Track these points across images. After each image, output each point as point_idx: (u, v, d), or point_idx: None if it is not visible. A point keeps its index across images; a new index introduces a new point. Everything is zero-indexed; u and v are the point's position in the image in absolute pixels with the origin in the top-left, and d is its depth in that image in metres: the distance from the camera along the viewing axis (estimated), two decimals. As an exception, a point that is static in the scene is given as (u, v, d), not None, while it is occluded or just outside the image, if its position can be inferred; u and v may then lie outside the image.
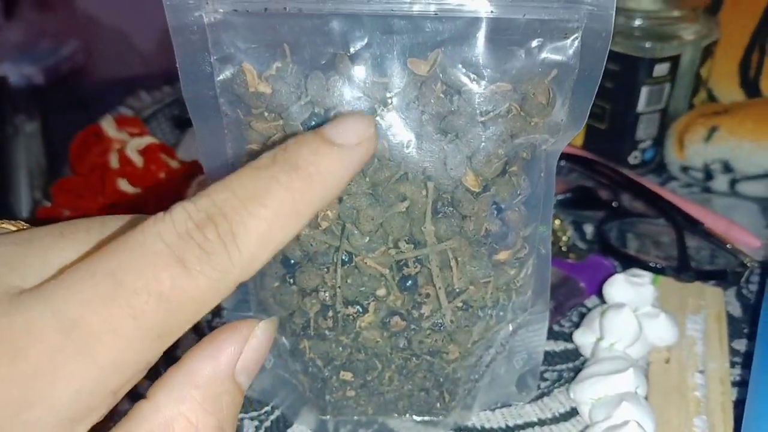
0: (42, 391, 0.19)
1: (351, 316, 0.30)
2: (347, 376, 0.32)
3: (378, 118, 0.27)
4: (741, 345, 0.39)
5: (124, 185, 0.48)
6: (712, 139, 0.51)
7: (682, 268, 0.42)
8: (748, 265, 0.42)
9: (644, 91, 0.51)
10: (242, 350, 0.22)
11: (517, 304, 0.32)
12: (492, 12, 0.26)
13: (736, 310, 0.41)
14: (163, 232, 0.20)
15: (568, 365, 0.38)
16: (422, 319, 0.30)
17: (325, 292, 0.29)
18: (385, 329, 0.30)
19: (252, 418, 0.35)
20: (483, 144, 0.27)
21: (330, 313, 0.30)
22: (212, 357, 0.22)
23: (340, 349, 0.31)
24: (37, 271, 0.21)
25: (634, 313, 0.37)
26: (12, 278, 0.21)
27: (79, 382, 0.19)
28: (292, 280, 0.30)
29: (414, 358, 0.31)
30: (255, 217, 0.20)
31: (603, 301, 0.41)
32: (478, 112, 0.27)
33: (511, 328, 0.33)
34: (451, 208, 0.28)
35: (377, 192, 0.28)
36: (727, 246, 0.43)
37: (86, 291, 0.19)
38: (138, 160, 0.48)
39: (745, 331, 0.40)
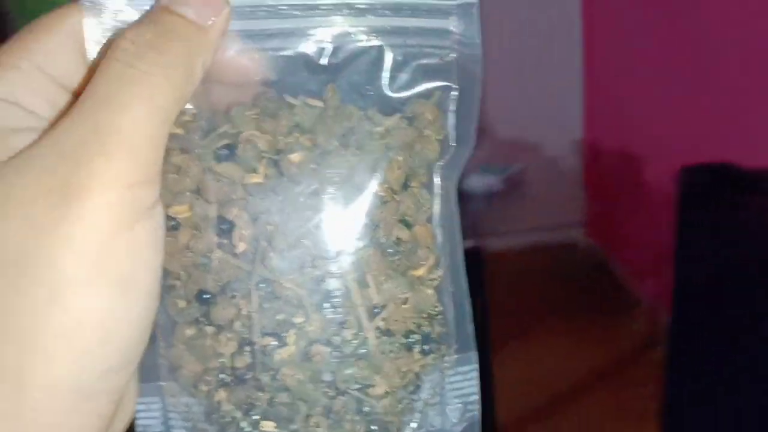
0: None
1: (270, 347, 0.28)
2: (268, 426, 0.29)
3: (285, 139, 0.29)
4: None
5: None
6: None
7: None
8: None
9: None
10: None
11: (441, 337, 0.31)
12: (376, 41, 0.30)
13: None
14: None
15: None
16: (344, 344, 0.29)
17: (240, 323, 0.28)
18: (307, 362, 0.29)
19: None
20: (383, 153, 0.29)
21: (247, 348, 0.29)
22: None
23: (260, 393, 0.29)
24: None
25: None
26: None
27: None
28: (206, 320, 0.29)
29: (340, 396, 0.29)
30: None
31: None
32: (375, 129, 0.30)
33: (439, 372, 0.32)
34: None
35: (290, 208, 0.29)
36: None
37: None
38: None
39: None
